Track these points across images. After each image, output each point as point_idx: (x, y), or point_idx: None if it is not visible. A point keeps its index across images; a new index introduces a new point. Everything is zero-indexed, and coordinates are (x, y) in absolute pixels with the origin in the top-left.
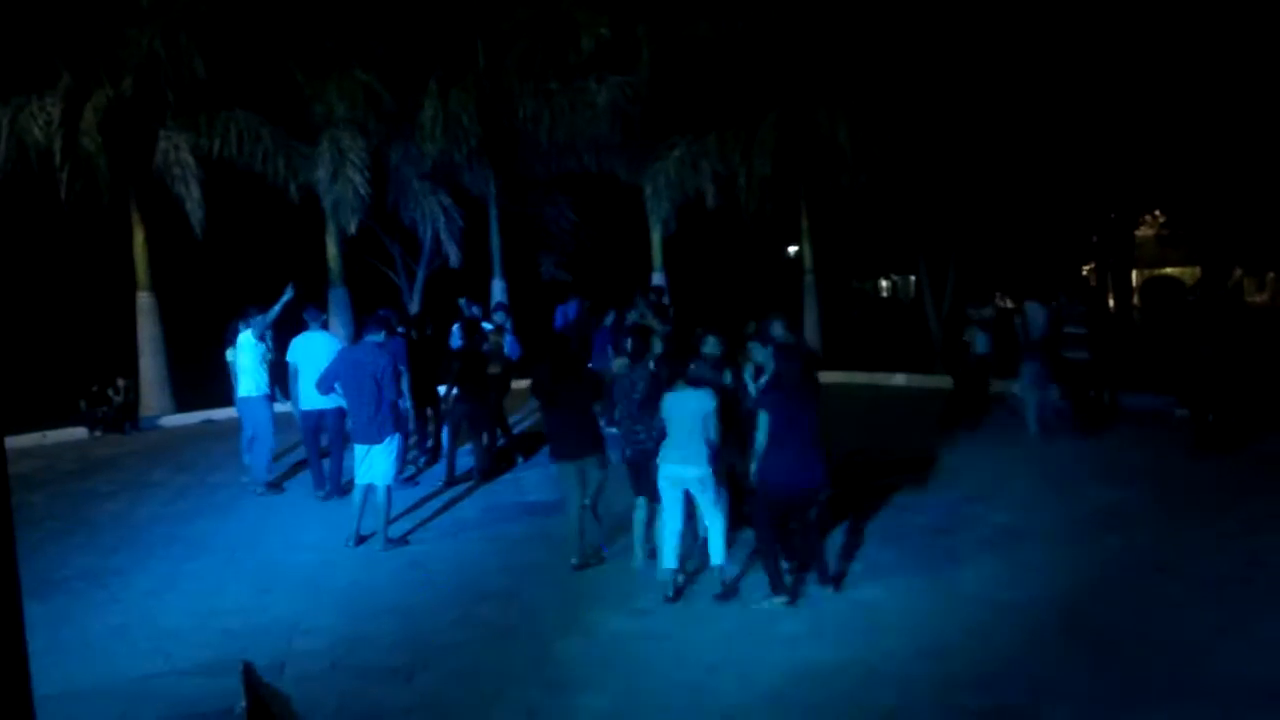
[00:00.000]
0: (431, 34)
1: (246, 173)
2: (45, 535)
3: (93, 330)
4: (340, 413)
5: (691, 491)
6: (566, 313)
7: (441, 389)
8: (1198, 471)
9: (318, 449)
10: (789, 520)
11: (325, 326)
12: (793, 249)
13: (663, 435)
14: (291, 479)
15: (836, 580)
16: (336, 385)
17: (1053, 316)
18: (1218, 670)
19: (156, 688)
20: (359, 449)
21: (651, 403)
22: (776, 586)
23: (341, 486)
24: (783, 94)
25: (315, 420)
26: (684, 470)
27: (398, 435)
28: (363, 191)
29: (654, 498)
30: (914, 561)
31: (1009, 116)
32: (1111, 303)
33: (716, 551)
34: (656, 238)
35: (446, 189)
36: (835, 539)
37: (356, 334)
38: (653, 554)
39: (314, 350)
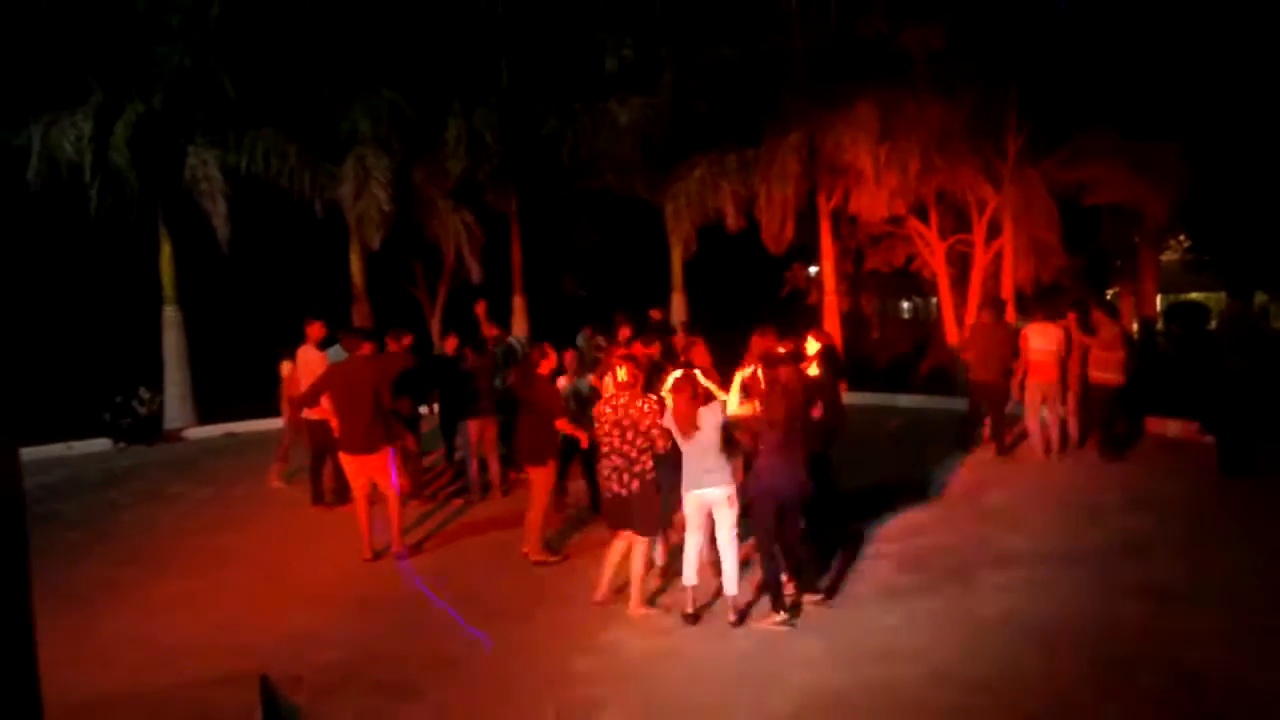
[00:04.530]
0: (456, 53)
1: (272, 189)
2: (68, 545)
3: (119, 343)
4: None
5: (716, 512)
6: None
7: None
8: (1223, 498)
9: (324, 460)
10: (781, 525)
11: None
12: (813, 269)
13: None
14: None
15: (828, 594)
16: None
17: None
18: (1247, 702)
19: (174, 699)
20: (348, 460)
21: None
22: (776, 603)
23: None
24: (804, 115)
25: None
26: (712, 491)
27: (391, 446)
28: (386, 208)
29: (646, 530)
30: (931, 585)
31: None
32: (1135, 327)
33: (731, 582)
34: (677, 257)
35: (469, 206)
36: (851, 562)
37: (342, 347)
38: (619, 590)
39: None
